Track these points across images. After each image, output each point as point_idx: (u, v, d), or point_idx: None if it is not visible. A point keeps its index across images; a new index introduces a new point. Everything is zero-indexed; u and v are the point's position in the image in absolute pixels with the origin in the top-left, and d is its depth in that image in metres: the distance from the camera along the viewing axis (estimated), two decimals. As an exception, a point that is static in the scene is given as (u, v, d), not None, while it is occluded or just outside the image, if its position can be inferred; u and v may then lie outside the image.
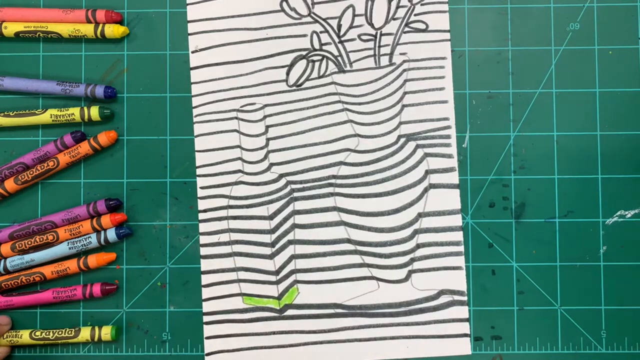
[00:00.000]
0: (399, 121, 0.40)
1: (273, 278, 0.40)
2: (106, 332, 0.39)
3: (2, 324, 0.40)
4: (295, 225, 0.41)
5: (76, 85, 0.41)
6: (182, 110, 0.41)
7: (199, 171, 0.41)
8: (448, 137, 0.40)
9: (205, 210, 0.41)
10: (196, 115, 0.41)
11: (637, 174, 0.40)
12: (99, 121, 0.41)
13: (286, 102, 0.41)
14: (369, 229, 0.40)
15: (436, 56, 0.41)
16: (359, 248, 0.40)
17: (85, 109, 0.40)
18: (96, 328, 0.40)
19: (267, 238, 0.40)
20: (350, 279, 0.40)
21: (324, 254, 0.40)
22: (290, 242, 0.40)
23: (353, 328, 0.40)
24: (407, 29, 0.41)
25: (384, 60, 0.41)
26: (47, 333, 0.39)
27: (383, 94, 0.40)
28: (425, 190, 0.40)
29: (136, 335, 0.40)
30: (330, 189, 0.41)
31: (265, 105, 0.41)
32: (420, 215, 0.40)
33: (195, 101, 0.41)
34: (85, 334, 0.39)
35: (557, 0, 0.41)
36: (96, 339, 0.39)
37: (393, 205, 0.40)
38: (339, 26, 0.41)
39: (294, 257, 0.40)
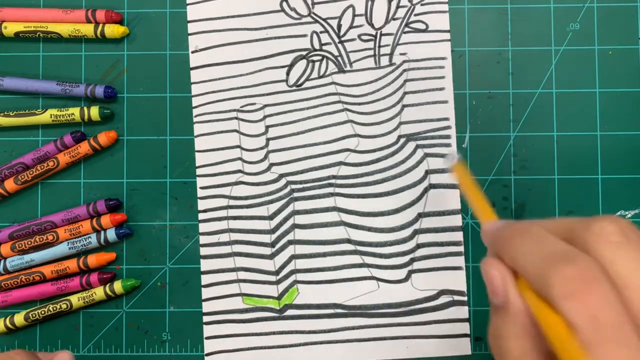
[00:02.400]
0: (399, 121, 0.40)
1: (273, 278, 0.40)
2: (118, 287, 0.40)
3: None
4: (295, 226, 0.40)
5: (76, 85, 0.41)
6: (182, 110, 0.41)
7: (199, 171, 0.41)
8: (448, 137, 0.40)
9: (205, 211, 0.41)
10: (196, 115, 0.41)
11: (637, 174, 0.40)
12: (99, 121, 0.41)
13: (286, 102, 0.41)
14: (369, 229, 0.40)
15: (436, 56, 0.41)
16: (359, 248, 0.40)
17: (85, 109, 0.40)
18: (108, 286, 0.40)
19: (267, 238, 0.40)
20: (350, 279, 0.40)
21: (324, 254, 0.40)
22: (290, 242, 0.40)
23: (353, 328, 0.40)
24: (407, 29, 0.41)
25: (384, 61, 0.41)
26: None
27: (383, 94, 0.40)
28: (425, 190, 0.40)
29: (136, 335, 0.40)
30: (330, 189, 0.41)
31: (265, 105, 0.41)
32: (420, 216, 0.40)
33: (195, 101, 0.41)
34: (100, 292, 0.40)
35: (557, 0, 0.41)
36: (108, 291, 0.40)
37: (393, 205, 0.40)
38: (339, 26, 0.41)
39: (294, 257, 0.40)
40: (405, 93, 0.40)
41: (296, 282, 0.40)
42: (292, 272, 0.40)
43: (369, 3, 0.41)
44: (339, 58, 0.41)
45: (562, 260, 0.20)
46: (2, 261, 0.40)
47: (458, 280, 0.40)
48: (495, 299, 0.23)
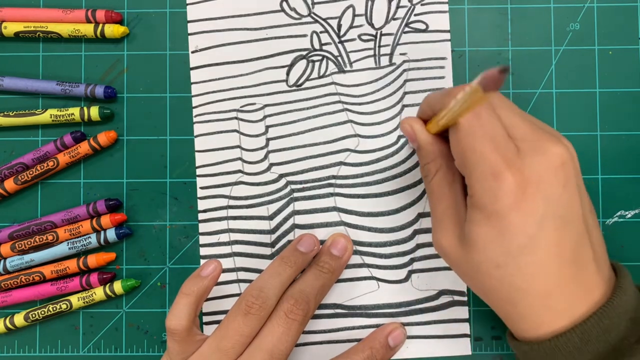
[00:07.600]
0: (399, 121, 0.40)
1: (273, 278, 0.40)
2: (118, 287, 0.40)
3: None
4: (295, 226, 0.40)
5: (76, 85, 0.41)
6: (182, 110, 0.41)
7: (199, 171, 0.41)
8: (448, 137, 0.40)
9: (205, 211, 0.41)
10: (196, 115, 0.41)
11: (637, 174, 0.40)
12: (99, 121, 0.41)
13: (286, 102, 0.41)
14: (369, 229, 0.40)
15: (436, 56, 0.41)
16: (359, 248, 0.40)
17: (85, 109, 0.40)
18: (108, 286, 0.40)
19: (267, 238, 0.40)
20: (350, 279, 0.40)
21: (324, 254, 0.40)
22: (290, 243, 0.40)
23: (353, 328, 0.40)
24: (407, 29, 0.41)
25: (384, 61, 0.41)
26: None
27: (383, 94, 0.40)
28: (425, 190, 0.40)
29: (136, 336, 0.40)
30: (330, 189, 0.40)
31: (265, 105, 0.41)
32: (420, 216, 0.40)
33: (195, 101, 0.41)
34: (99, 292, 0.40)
35: (557, 0, 0.41)
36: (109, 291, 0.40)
37: (393, 205, 0.40)
38: (339, 26, 0.41)
39: (294, 257, 0.40)
40: (405, 93, 0.40)
41: (296, 282, 0.40)
42: (292, 272, 0.40)
43: (369, 3, 0.41)
44: (339, 58, 0.41)
45: (455, 90, 0.30)
46: (2, 261, 0.40)
47: (458, 281, 0.40)
48: (412, 143, 0.34)
